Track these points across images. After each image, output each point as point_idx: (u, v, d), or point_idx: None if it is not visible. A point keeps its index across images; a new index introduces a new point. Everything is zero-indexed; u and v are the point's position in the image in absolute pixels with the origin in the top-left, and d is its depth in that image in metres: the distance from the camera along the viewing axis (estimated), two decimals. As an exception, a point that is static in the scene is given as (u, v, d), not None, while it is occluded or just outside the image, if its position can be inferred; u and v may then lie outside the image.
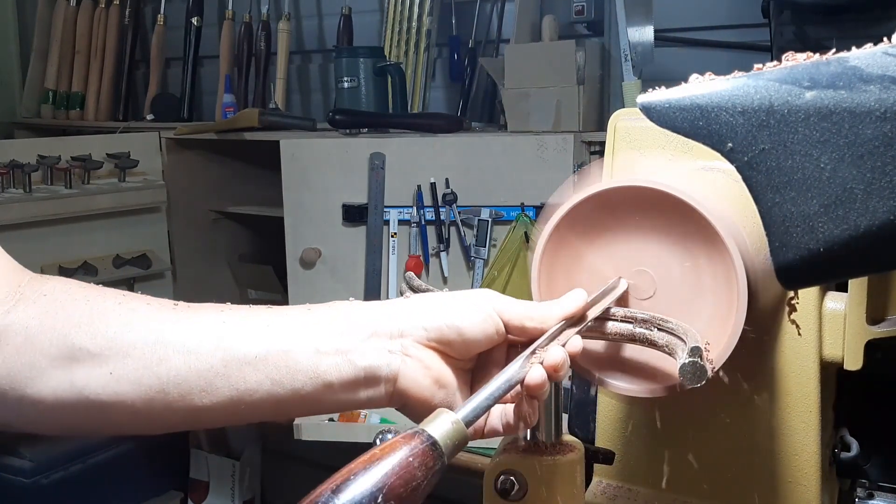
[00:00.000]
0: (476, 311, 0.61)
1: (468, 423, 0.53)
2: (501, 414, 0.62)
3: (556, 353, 0.59)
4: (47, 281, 0.64)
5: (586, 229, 0.66)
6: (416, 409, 0.61)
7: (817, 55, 0.51)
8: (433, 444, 0.50)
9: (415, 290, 0.69)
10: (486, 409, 0.56)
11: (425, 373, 0.61)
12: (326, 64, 2.57)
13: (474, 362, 0.64)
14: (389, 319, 0.61)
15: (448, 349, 0.61)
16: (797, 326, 0.71)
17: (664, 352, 0.60)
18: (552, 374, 0.58)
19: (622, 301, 0.65)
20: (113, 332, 0.60)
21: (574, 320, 0.62)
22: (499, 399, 0.56)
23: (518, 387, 0.58)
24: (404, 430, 0.51)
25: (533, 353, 0.59)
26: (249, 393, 0.60)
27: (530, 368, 0.58)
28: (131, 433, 0.63)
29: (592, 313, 0.62)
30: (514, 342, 0.64)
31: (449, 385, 0.62)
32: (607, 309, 0.63)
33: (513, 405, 0.61)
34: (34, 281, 0.64)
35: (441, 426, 0.52)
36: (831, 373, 0.74)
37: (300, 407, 0.61)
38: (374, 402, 0.62)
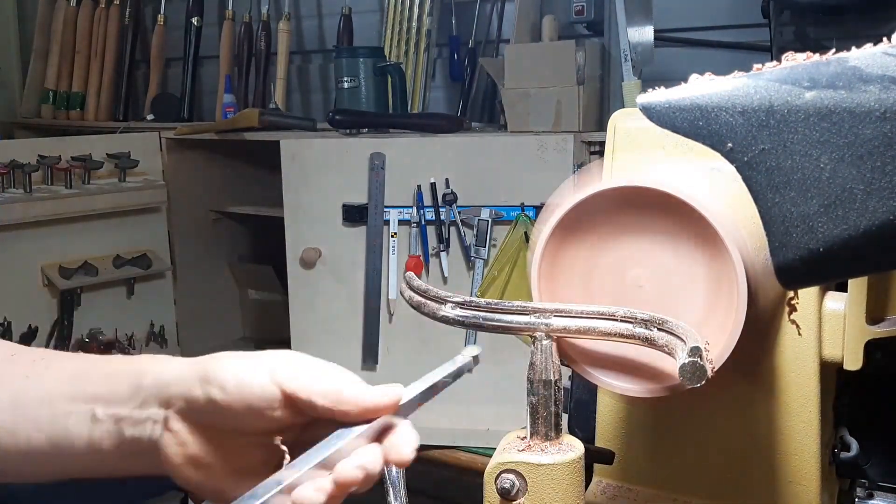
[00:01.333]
0: (250, 383, 0.52)
1: None
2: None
3: (347, 470, 0.50)
4: None
5: (586, 229, 0.66)
6: (187, 487, 0.56)
7: (817, 55, 0.51)
8: None
9: (415, 290, 0.69)
10: None
11: (179, 450, 0.55)
12: (326, 64, 2.57)
13: (286, 437, 0.55)
14: (167, 385, 0.55)
15: (210, 424, 0.54)
16: (797, 326, 0.71)
17: (664, 352, 0.60)
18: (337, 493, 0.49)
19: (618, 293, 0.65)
20: None
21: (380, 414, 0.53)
22: None
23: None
24: None
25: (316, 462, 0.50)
26: (32, 452, 0.59)
27: (313, 485, 0.49)
28: None
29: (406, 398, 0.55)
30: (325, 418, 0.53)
31: (209, 467, 0.54)
32: (605, 311, 0.63)
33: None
34: None
35: None
36: (831, 373, 0.74)
37: (83, 468, 0.60)
38: (149, 468, 0.57)
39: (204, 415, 0.54)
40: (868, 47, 0.50)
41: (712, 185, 0.67)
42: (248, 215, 2.38)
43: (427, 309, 0.66)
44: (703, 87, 0.54)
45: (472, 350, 0.59)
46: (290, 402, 0.53)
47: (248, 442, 0.55)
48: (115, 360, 0.60)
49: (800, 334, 0.71)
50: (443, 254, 1.78)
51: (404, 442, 0.53)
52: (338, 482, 0.49)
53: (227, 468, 0.55)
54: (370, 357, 1.84)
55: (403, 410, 0.54)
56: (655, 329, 0.61)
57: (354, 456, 0.51)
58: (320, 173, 1.83)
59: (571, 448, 0.64)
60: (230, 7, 2.54)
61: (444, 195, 1.75)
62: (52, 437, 0.59)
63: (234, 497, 0.49)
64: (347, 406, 0.51)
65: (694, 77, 0.55)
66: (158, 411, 0.55)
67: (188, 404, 0.54)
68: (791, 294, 0.71)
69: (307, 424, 0.55)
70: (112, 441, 0.57)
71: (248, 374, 0.53)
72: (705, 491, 0.77)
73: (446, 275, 1.78)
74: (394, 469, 0.80)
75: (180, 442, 0.55)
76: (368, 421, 0.52)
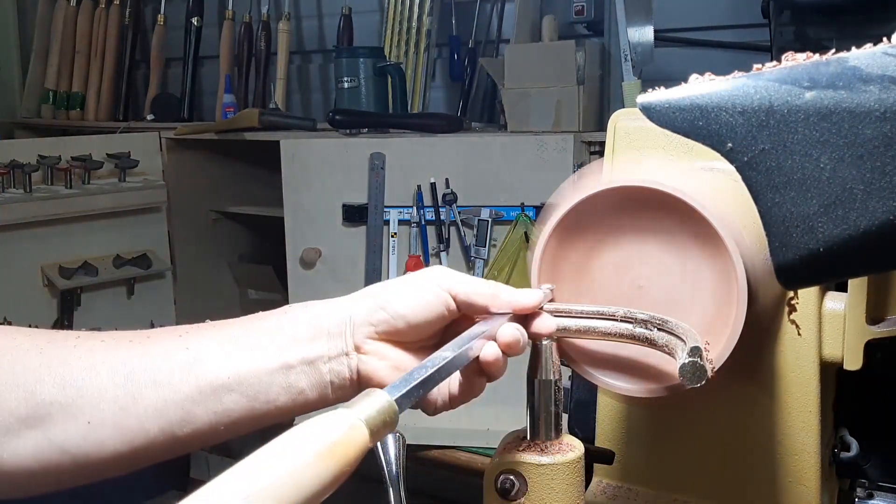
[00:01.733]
0: (422, 294, 0.62)
1: (402, 404, 0.49)
2: (447, 388, 0.64)
3: (508, 331, 0.60)
4: None
5: (586, 230, 0.66)
6: None
7: (817, 55, 0.51)
8: (360, 428, 0.46)
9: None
10: (426, 390, 0.53)
11: (383, 364, 0.62)
12: (326, 64, 2.57)
13: (439, 336, 0.66)
14: (341, 319, 0.62)
15: (399, 337, 0.63)
16: (797, 326, 0.71)
17: (664, 352, 0.60)
18: (506, 350, 0.61)
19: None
20: (80, 380, 0.58)
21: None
22: (436, 384, 0.55)
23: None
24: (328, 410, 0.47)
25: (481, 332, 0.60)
26: (227, 413, 0.60)
27: (483, 345, 0.60)
28: (112, 476, 0.61)
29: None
30: (470, 317, 0.65)
31: (408, 368, 0.62)
32: (605, 311, 0.63)
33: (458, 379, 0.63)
34: None
35: (370, 408, 0.47)
36: (831, 373, 0.74)
37: (279, 416, 0.62)
38: (345, 398, 0.63)
39: (392, 331, 0.62)
40: (868, 47, 0.50)
41: (712, 185, 0.67)
42: (248, 215, 2.38)
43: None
44: (703, 87, 0.54)
45: (547, 285, 0.67)
46: (455, 302, 0.63)
47: (425, 341, 0.65)
48: (270, 315, 0.64)
49: (799, 334, 0.71)
50: (443, 254, 1.78)
51: (546, 322, 0.63)
52: (503, 340, 0.61)
53: (419, 361, 0.63)
54: (370, 357, 1.83)
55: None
56: (655, 329, 0.61)
57: (508, 325, 0.62)
58: (320, 173, 1.83)
59: (571, 448, 0.64)
60: (230, 7, 2.54)
61: (444, 195, 1.75)
62: (249, 397, 0.60)
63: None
64: (502, 304, 0.63)
65: (694, 77, 0.55)
66: (348, 342, 0.62)
67: (377, 326, 0.62)
68: (791, 294, 0.71)
69: (450, 322, 0.65)
70: (309, 380, 0.61)
71: (422, 289, 0.63)
72: (705, 491, 0.77)
73: (446, 275, 1.78)
74: (393, 468, 0.80)
75: (381, 356, 0.62)
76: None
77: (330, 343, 0.62)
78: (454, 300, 0.63)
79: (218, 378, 0.59)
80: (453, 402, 0.64)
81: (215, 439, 0.61)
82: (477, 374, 0.62)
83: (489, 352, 0.60)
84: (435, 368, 0.54)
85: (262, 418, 0.61)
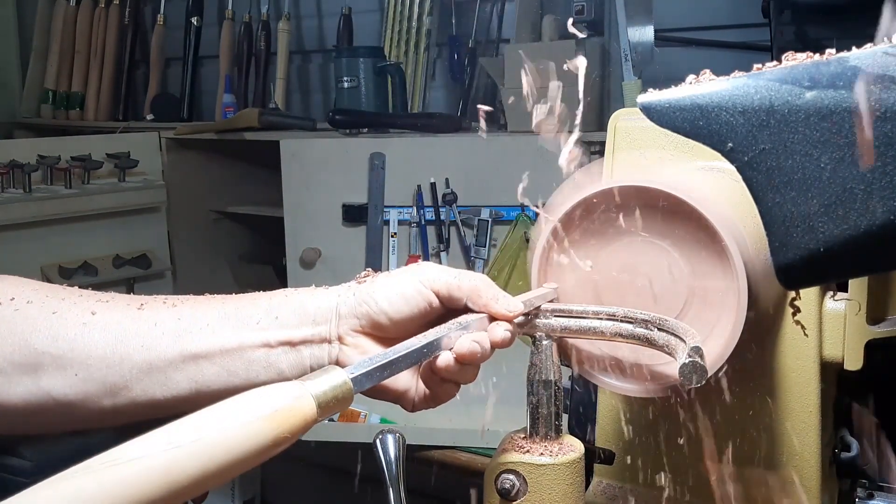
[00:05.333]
0: (404, 289, 0.63)
1: (360, 382, 0.52)
2: (422, 388, 0.65)
3: (465, 344, 0.60)
4: (0, 282, 0.66)
5: (586, 229, 0.66)
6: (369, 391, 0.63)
7: (817, 55, 0.51)
8: (306, 399, 0.47)
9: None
10: (386, 374, 0.55)
11: (362, 357, 0.62)
12: (326, 64, 2.57)
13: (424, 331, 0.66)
14: (328, 308, 0.64)
15: (381, 332, 0.64)
16: (802, 327, 0.71)
17: (664, 352, 0.60)
18: (461, 360, 0.61)
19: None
20: (73, 335, 0.62)
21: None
22: (398, 370, 0.56)
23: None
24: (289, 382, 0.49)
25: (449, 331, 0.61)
26: (207, 384, 0.62)
27: (440, 355, 0.60)
28: (97, 427, 0.64)
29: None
30: (454, 310, 0.65)
31: None
32: (605, 311, 0.63)
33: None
34: None
35: (324, 384, 0.49)
36: (831, 373, 0.74)
37: None
38: None
39: (375, 325, 0.63)
40: (868, 47, 0.50)
41: (713, 184, 0.68)
42: (248, 215, 2.38)
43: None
44: (703, 87, 0.54)
45: (551, 284, 0.68)
46: (438, 297, 0.64)
47: (410, 336, 0.63)
48: (264, 296, 0.66)
49: (806, 335, 0.71)
50: (443, 254, 1.78)
51: (501, 330, 0.63)
52: (460, 353, 0.61)
53: None
54: (370, 357, 1.83)
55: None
56: (655, 329, 0.61)
57: (465, 338, 0.61)
58: (320, 173, 1.83)
59: (571, 448, 0.64)
60: (230, 7, 2.54)
61: (444, 195, 1.74)
62: (230, 371, 0.62)
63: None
64: (480, 302, 0.63)
65: (690, 78, 0.55)
66: (332, 331, 0.63)
67: (360, 320, 0.63)
68: (793, 295, 0.71)
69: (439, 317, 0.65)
70: (289, 362, 0.63)
71: (404, 284, 0.63)
72: (705, 491, 0.77)
73: (446, 275, 1.78)
74: (393, 468, 0.80)
75: (362, 350, 0.64)
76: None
77: (314, 329, 0.63)
78: (437, 296, 0.63)
79: (200, 349, 0.62)
80: (428, 401, 0.66)
81: (198, 406, 0.63)
82: (440, 378, 0.63)
83: (442, 360, 0.61)
84: (397, 355, 0.55)
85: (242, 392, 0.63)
